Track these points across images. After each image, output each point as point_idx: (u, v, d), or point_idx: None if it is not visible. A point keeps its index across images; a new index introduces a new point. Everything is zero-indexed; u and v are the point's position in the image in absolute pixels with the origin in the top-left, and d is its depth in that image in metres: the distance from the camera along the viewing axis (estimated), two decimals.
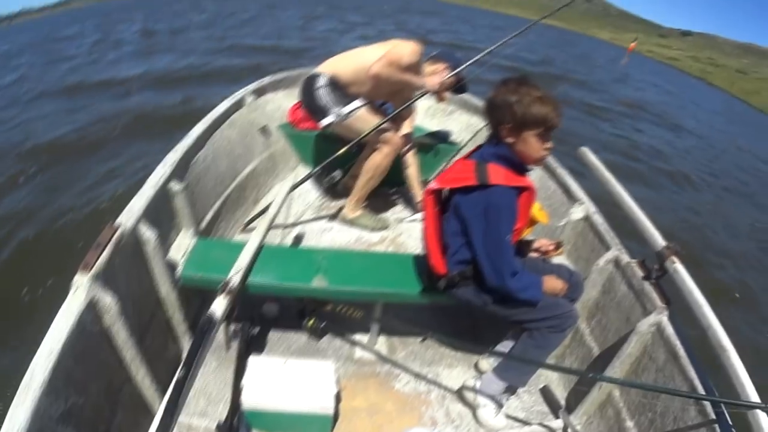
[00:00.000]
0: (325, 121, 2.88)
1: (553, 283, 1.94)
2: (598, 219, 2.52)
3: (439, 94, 3.03)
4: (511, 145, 1.77)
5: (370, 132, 2.85)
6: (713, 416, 1.55)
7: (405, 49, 2.76)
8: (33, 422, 1.20)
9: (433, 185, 1.91)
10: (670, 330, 1.85)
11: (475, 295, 1.90)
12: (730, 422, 1.49)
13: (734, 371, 1.55)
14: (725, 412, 1.51)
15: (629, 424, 1.90)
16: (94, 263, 1.57)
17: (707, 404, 1.59)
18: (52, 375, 1.30)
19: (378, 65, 2.73)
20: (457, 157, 2.68)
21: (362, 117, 2.87)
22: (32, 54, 14.48)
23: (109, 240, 1.67)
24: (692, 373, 1.70)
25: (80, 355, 1.46)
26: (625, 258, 2.21)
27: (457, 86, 3.08)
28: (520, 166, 1.80)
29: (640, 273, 2.08)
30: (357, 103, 2.86)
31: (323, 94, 2.85)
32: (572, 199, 2.75)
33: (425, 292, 2.13)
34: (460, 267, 1.89)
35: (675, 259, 1.96)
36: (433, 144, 3.70)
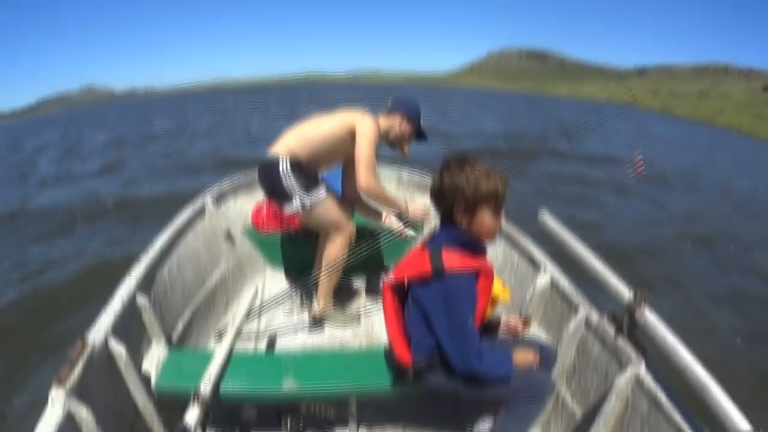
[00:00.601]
0: (289, 209, 2.81)
1: (523, 357, 1.90)
2: (564, 283, 2.50)
3: (401, 146, 3.01)
4: (466, 227, 1.77)
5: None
6: None
7: (367, 128, 2.75)
8: None
9: (390, 279, 1.90)
10: (649, 380, 1.81)
11: (446, 382, 1.85)
12: None
13: (720, 406, 1.50)
14: None
15: None
16: (67, 378, 1.60)
17: None
18: None
19: (364, 180, 2.74)
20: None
21: (324, 205, 2.83)
22: None
23: (80, 355, 1.70)
24: (678, 417, 1.66)
25: None
26: (595, 316, 2.19)
27: (418, 134, 3.02)
28: (475, 247, 1.80)
29: (611, 329, 2.06)
30: (321, 191, 2.82)
31: (286, 181, 2.74)
32: (536, 266, 2.73)
33: (398, 383, 2.08)
34: (426, 355, 1.85)
35: (644, 306, 1.93)
36: (387, 231, 3.69)
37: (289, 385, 2.06)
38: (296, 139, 2.83)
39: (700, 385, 1.58)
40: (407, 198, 4.16)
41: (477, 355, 1.72)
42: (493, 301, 1.99)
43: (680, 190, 12.37)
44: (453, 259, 1.72)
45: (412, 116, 2.94)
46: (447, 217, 1.80)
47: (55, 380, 1.58)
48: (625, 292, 2.03)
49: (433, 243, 1.82)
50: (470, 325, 1.71)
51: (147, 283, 2.35)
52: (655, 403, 1.76)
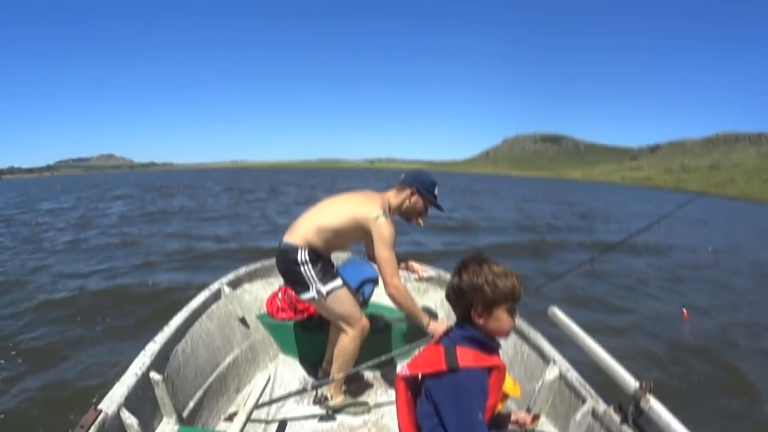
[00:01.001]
0: (305, 297, 2.87)
1: None
2: (573, 375, 2.50)
3: (415, 218, 3.03)
4: (482, 326, 1.79)
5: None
6: None
7: (382, 230, 2.77)
8: None
9: (405, 372, 1.90)
10: None
11: None
12: None
13: None
14: None
15: None
16: None
17: None
18: None
19: (391, 284, 2.79)
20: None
21: (339, 296, 2.88)
22: None
23: (93, 423, 1.74)
24: None
25: None
26: (602, 407, 2.18)
27: (433, 205, 3.03)
28: (489, 345, 1.82)
29: (617, 418, 2.04)
30: (337, 281, 2.87)
31: (303, 269, 2.81)
32: (546, 360, 2.73)
33: None
34: None
35: (649, 396, 1.93)
36: (408, 323, 3.66)
37: None
38: (310, 227, 2.87)
39: None
40: (422, 292, 4.19)
41: None
42: (504, 397, 2.01)
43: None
44: (466, 356, 1.74)
45: (423, 190, 2.96)
46: (463, 316, 1.82)
47: None
48: (631, 381, 2.04)
49: (448, 340, 1.84)
50: (480, 420, 1.70)
51: (161, 360, 2.42)
52: None
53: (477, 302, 1.76)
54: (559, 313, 2.72)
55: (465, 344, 1.77)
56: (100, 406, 1.86)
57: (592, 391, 2.32)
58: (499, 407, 2.01)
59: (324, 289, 2.83)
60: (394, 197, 2.98)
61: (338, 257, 3.23)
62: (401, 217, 3.02)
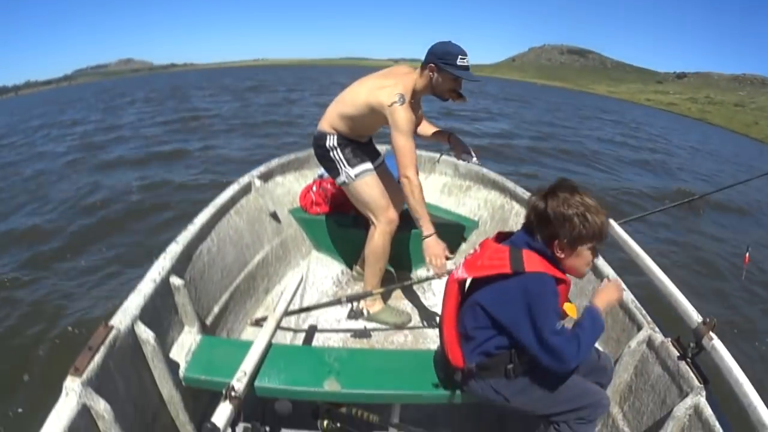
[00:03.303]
0: (338, 181, 2.86)
1: (603, 297, 1.76)
2: (628, 296, 2.33)
3: (450, 96, 2.71)
4: (561, 260, 1.66)
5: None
6: None
7: (397, 118, 2.53)
8: None
9: (460, 274, 1.77)
10: (708, 412, 1.70)
11: (494, 392, 1.76)
12: None
13: None
14: None
15: None
16: (85, 367, 1.51)
17: None
18: None
19: (405, 170, 2.58)
20: (478, 237, 2.49)
21: (367, 182, 2.82)
22: None
23: (102, 342, 1.61)
24: None
25: None
26: (659, 337, 2.06)
27: (460, 77, 2.60)
28: (555, 263, 1.67)
29: (675, 352, 1.93)
30: (367, 165, 2.82)
31: (334, 156, 2.81)
32: (599, 276, 2.58)
33: (445, 391, 1.98)
34: (481, 358, 1.76)
35: (712, 335, 1.81)
36: (451, 223, 3.56)
37: (331, 385, 1.97)
38: (335, 114, 2.81)
39: (761, 424, 1.48)
40: (464, 190, 4.02)
41: (571, 355, 1.58)
42: (563, 316, 1.91)
43: None
44: (533, 260, 1.62)
45: (442, 63, 2.57)
46: (545, 244, 1.66)
47: (71, 369, 1.49)
48: (693, 315, 1.92)
49: (514, 242, 1.71)
50: (559, 329, 1.59)
51: (183, 263, 2.25)
52: None
53: (563, 234, 1.60)
54: (615, 226, 2.52)
55: (532, 251, 1.65)
56: (111, 322, 1.71)
57: (649, 318, 2.19)
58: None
59: (353, 173, 2.80)
60: (419, 79, 2.68)
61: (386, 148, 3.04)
62: (436, 96, 2.73)
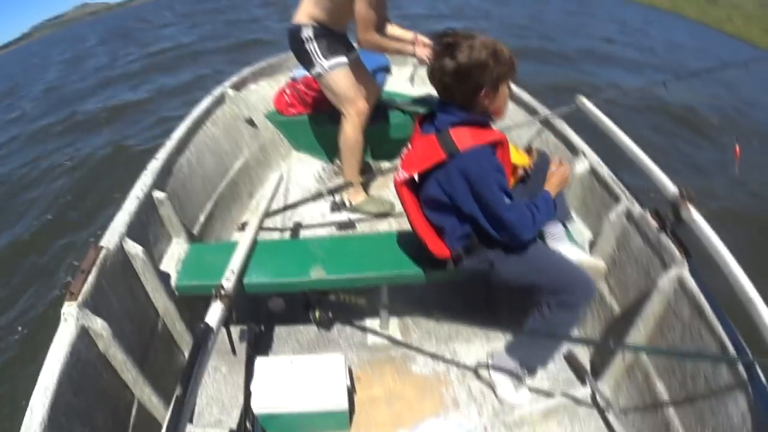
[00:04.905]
0: (313, 72, 2.86)
1: (554, 181, 1.82)
2: (604, 170, 2.38)
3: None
4: (486, 107, 1.65)
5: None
6: (746, 376, 1.45)
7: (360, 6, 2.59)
8: None
9: (402, 175, 1.77)
10: (692, 284, 1.72)
11: (479, 261, 1.79)
12: (765, 381, 1.40)
13: (763, 324, 1.42)
14: (759, 371, 1.42)
15: (659, 387, 1.80)
16: (80, 290, 1.54)
17: (739, 363, 1.49)
18: (52, 411, 1.28)
19: (360, 36, 2.66)
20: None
21: (341, 75, 2.82)
22: None
23: (93, 263, 1.64)
24: (720, 329, 1.58)
25: (79, 386, 1.43)
26: (637, 209, 2.08)
27: None
28: (482, 122, 1.68)
29: (654, 224, 1.95)
30: (341, 58, 2.80)
31: (310, 48, 2.78)
32: (575, 152, 2.59)
33: (431, 270, 2.03)
34: (462, 242, 1.78)
35: (690, 206, 1.81)
36: (417, 111, 3.48)
37: (317, 273, 2.01)
38: (312, 2, 2.77)
39: (747, 299, 1.49)
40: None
41: (522, 224, 1.64)
42: (514, 169, 1.93)
43: None
44: (463, 136, 1.61)
45: None
46: (469, 99, 1.64)
47: (67, 295, 1.53)
48: (670, 186, 1.91)
49: (438, 126, 1.69)
50: (508, 204, 1.61)
51: (164, 177, 2.28)
52: (697, 309, 1.68)
53: (485, 80, 1.58)
54: (588, 104, 2.50)
55: (457, 127, 1.63)
56: (100, 243, 1.73)
57: (627, 192, 2.21)
58: (511, 182, 1.93)
59: (326, 64, 2.78)
60: None
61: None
62: None
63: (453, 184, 1.65)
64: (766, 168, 5.80)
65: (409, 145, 1.80)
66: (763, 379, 1.41)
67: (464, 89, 1.61)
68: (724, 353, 1.54)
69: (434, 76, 1.66)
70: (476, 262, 1.80)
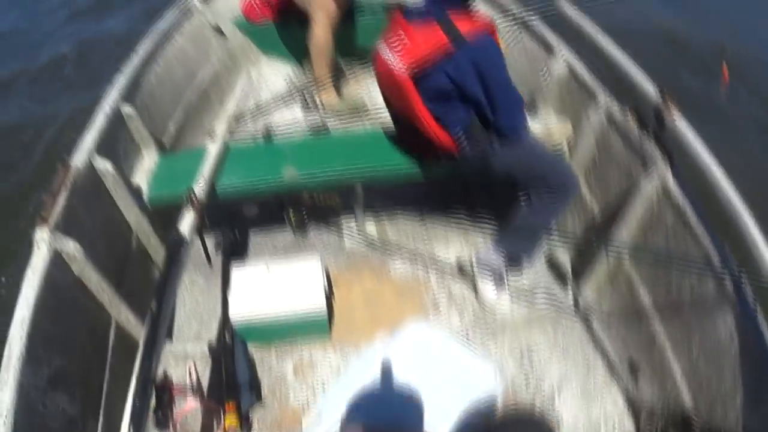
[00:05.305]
0: None
1: None
2: (582, 69, 2.25)
3: None
4: None
5: None
6: (731, 285, 1.43)
7: None
8: (20, 399, 1.14)
9: (400, 68, 1.65)
10: (676, 190, 1.67)
11: (483, 151, 1.81)
12: (750, 290, 1.38)
13: (749, 234, 1.37)
14: (744, 279, 1.39)
15: (643, 295, 1.78)
16: (51, 213, 1.49)
17: (725, 272, 1.46)
18: (29, 343, 1.25)
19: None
20: None
21: None
22: None
23: (63, 184, 1.58)
24: (706, 240, 1.54)
25: (56, 314, 1.41)
26: (617, 110, 2.00)
27: None
28: (472, 6, 1.66)
29: (636, 127, 1.88)
30: None
31: None
32: (550, 51, 2.44)
33: (405, 166, 1.99)
34: (463, 126, 1.77)
35: (673, 108, 1.73)
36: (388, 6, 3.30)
37: (289, 174, 1.98)
38: None
39: (732, 208, 1.44)
40: None
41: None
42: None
43: None
44: (464, 23, 1.57)
45: None
46: None
47: (38, 219, 1.47)
48: (650, 89, 1.82)
49: (436, 13, 1.61)
50: (513, 86, 1.67)
51: (131, 91, 2.17)
52: (680, 216, 1.64)
53: None
54: (569, 10, 2.33)
55: (454, 11, 1.60)
56: (69, 162, 1.65)
57: (606, 89, 2.11)
58: None
59: None
60: None
61: None
62: None
63: (464, 73, 1.62)
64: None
65: (402, 33, 1.67)
66: (750, 294, 1.38)
67: None
68: (710, 265, 1.51)
69: None
70: (476, 149, 1.80)
